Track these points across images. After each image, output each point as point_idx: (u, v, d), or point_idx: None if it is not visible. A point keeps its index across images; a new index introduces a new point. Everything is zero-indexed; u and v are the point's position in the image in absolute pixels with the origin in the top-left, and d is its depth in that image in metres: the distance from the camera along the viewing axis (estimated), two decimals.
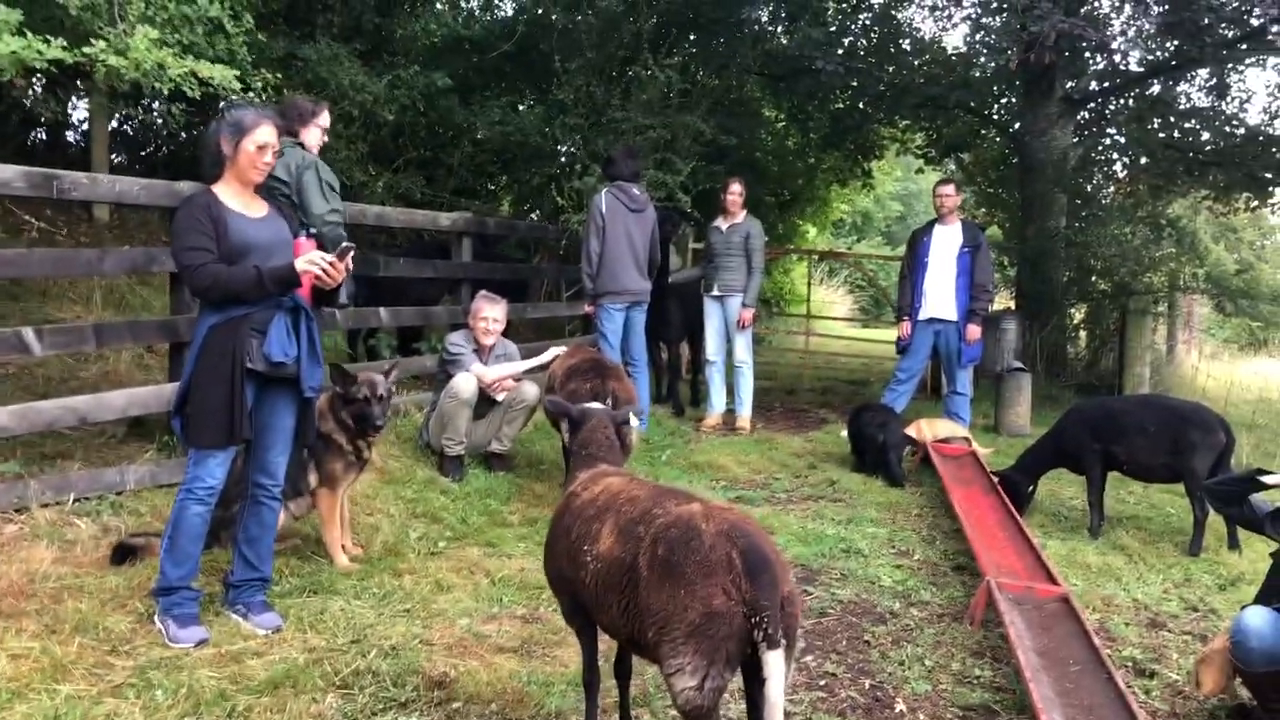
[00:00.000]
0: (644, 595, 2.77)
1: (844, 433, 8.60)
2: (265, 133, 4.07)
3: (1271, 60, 11.93)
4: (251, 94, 6.16)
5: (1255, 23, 10.47)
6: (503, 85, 12.67)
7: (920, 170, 18.76)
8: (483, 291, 7.02)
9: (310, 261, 3.97)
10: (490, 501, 6.20)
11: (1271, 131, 12.97)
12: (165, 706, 3.42)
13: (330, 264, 4.01)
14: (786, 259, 19.89)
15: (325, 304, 4.45)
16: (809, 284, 16.93)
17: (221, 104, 4.75)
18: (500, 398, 6.75)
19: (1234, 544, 6.36)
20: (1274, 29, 8.93)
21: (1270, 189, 13.33)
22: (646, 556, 2.79)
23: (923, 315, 8.87)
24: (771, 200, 17.36)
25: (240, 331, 3.98)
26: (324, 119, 5.72)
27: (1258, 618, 3.84)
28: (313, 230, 4.22)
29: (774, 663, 2.61)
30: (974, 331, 8.76)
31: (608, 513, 3.03)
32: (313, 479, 4.96)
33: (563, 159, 10.81)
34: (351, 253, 4.12)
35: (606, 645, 3.59)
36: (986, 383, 11.17)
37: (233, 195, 4.10)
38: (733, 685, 3.10)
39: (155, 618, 4.06)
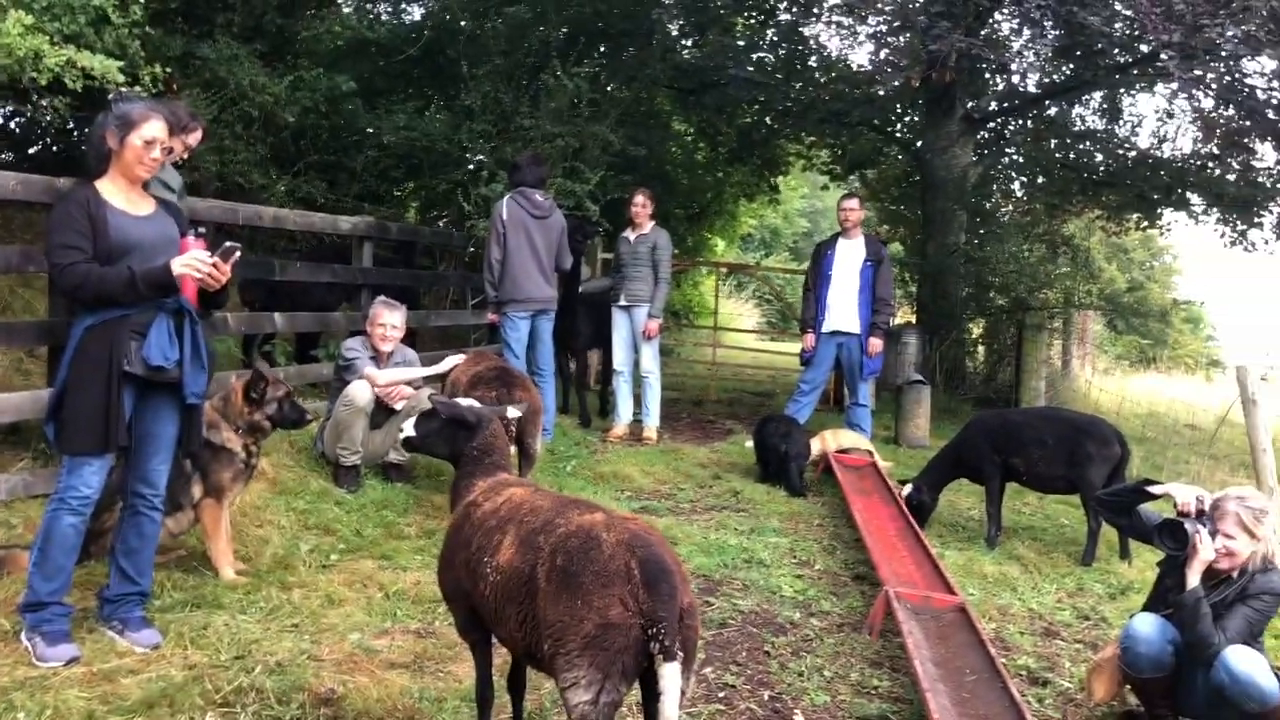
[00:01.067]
0: (541, 606, 2.69)
1: (749, 443, 8.62)
2: (154, 128, 3.88)
3: (1160, 86, 12.37)
4: (139, 88, 5.93)
5: (1145, 49, 10.84)
6: (409, 90, 12.50)
7: (826, 187, 19.03)
8: (381, 297, 6.83)
9: (187, 264, 3.79)
10: (387, 513, 6.03)
11: (1160, 155, 13.47)
12: None
13: (213, 265, 3.84)
14: (695, 272, 19.99)
15: (212, 307, 4.24)
16: (716, 297, 17.01)
17: (110, 97, 4.54)
18: (399, 406, 6.59)
19: (1125, 554, 6.52)
20: (1164, 54, 9.24)
21: (1159, 210, 13.84)
22: (545, 567, 2.71)
23: (826, 328, 8.95)
24: (681, 213, 17.44)
25: (118, 334, 3.79)
26: (194, 138, 5.36)
27: (1146, 625, 3.94)
28: (202, 230, 4.02)
29: (670, 676, 2.56)
30: (875, 345, 8.86)
31: (510, 523, 2.94)
32: (197, 491, 4.75)
33: (470, 166, 10.68)
34: (236, 253, 3.94)
35: (501, 659, 3.50)
36: (887, 395, 11.35)
37: (117, 191, 3.91)
38: (631, 699, 3.04)
39: (22, 635, 3.83)
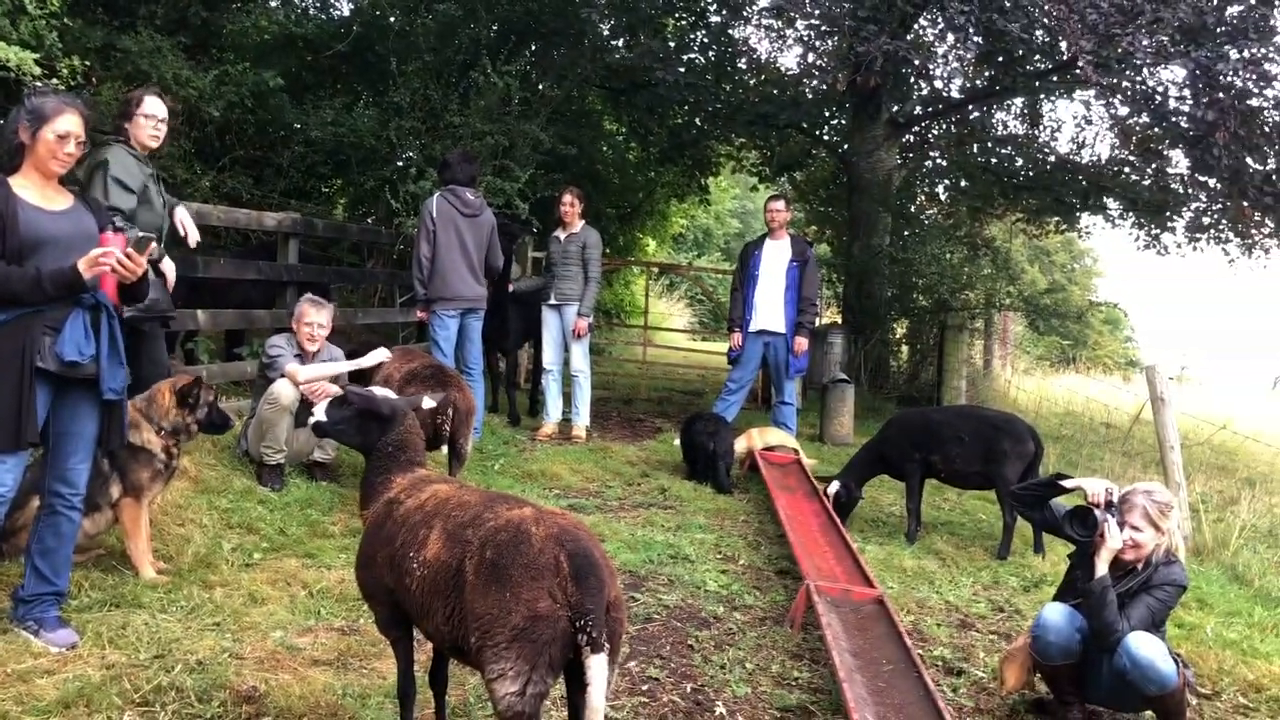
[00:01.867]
0: (469, 600, 2.71)
1: (676, 441, 8.70)
2: (67, 121, 3.82)
3: (1079, 92, 12.71)
4: (56, 80, 5.81)
5: (1063, 56, 11.15)
6: (337, 86, 12.39)
7: (755, 188, 19.25)
8: (308, 295, 6.73)
9: (96, 262, 3.71)
10: (311, 512, 5.98)
11: (1078, 160, 13.84)
12: None
13: (126, 257, 3.79)
14: (627, 271, 20.05)
15: (131, 301, 4.17)
16: (647, 296, 17.11)
17: (25, 91, 4.46)
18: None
19: (1039, 548, 6.72)
20: (1080, 62, 9.52)
21: (1076, 214, 14.22)
22: (474, 560, 2.73)
23: (753, 327, 9.07)
24: (612, 212, 17.51)
25: (31, 329, 3.73)
26: (147, 106, 5.33)
27: (1055, 614, 4.08)
28: (119, 225, 3.97)
29: (596, 667, 2.60)
30: (801, 344, 9.00)
31: (436, 518, 2.95)
32: (115, 490, 4.68)
33: (400, 163, 10.61)
34: (151, 244, 3.92)
35: (425, 655, 3.51)
36: (813, 393, 11.53)
37: (30, 187, 3.84)
38: (555, 692, 3.08)
39: None
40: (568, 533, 2.72)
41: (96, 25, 9.18)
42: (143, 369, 5.15)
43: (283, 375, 6.28)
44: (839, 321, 13.73)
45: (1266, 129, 10.52)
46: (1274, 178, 10.48)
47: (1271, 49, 10.17)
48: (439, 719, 3.35)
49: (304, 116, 10.65)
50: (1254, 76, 10.22)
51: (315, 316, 6.49)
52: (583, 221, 9.16)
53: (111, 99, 8.40)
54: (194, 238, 5.77)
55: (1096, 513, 4.08)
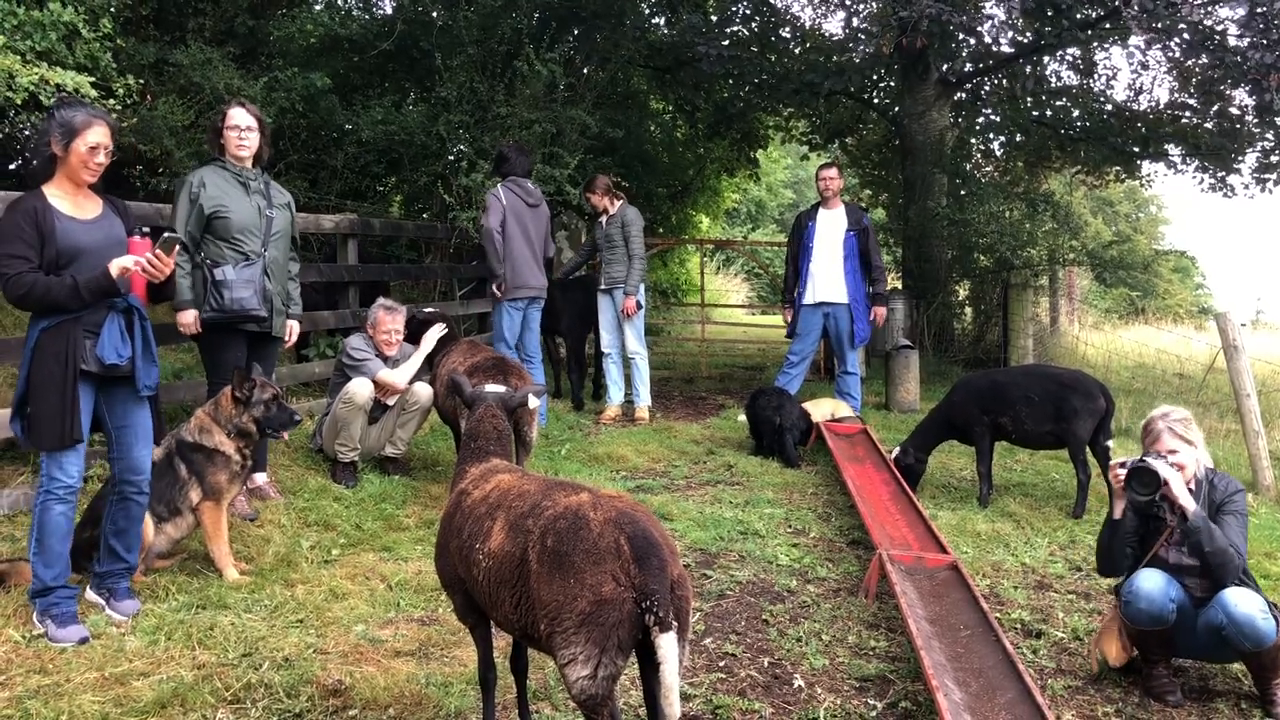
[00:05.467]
0: (535, 588, 2.75)
1: (741, 417, 8.70)
2: (97, 133, 4.07)
3: (1134, 39, 12.40)
4: (113, 100, 5.96)
5: (1114, 2, 10.87)
6: (385, 84, 12.48)
7: (805, 157, 19.07)
8: (382, 300, 6.87)
9: (125, 268, 3.99)
10: (385, 506, 6.10)
11: (1136, 107, 13.51)
12: None
13: (154, 257, 4.05)
14: (682, 250, 20.01)
15: (160, 300, 4.50)
16: (702, 273, 17.05)
17: (52, 103, 4.64)
18: (391, 402, 6.66)
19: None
20: (1126, 10, 9.28)
21: (1137, 162, 13.89)
22: (536, 549, 2.77)
23: (811, 299, 9.00)
24: (663, 191, 17.46)
25: (72, 334, 4.03)
26: (231, 118, 5.57)
27: (1149, 582, 3.98)
28: (145, 229, 4.17)
29: (667, 645, 2.62)
30: (880, 313, 8.97)
31: (499, 510, 3.00)
32: (194, 495, 4.83)
33: (450, 157, 10.70)
34: (177, 245, 4.17)
35: (504, 642, 3.58)
36: (876, 361, 11.43)
37: (63, 197, 4.11)
38: (631, 673, 3.11)
39: (34, 618, 4.13)
40: (626, 515, 2.74)
41: (149, 42, 9.38)
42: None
43: (373, 378, 6.44)
44: (899, 287, 13.58)
45: None
46: None
47: None
48: (521, 703, 3.41)
49: (354, 117, 10.76)
50: None
51: (393, 324, 6.70)
52: (620, 202, 9.14)
53: (167, 113, 8.61)
54: (291, 342, 6.04)
55: (1154, 463, 3.98)
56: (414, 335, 6.96)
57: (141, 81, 7.10)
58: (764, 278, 25.28)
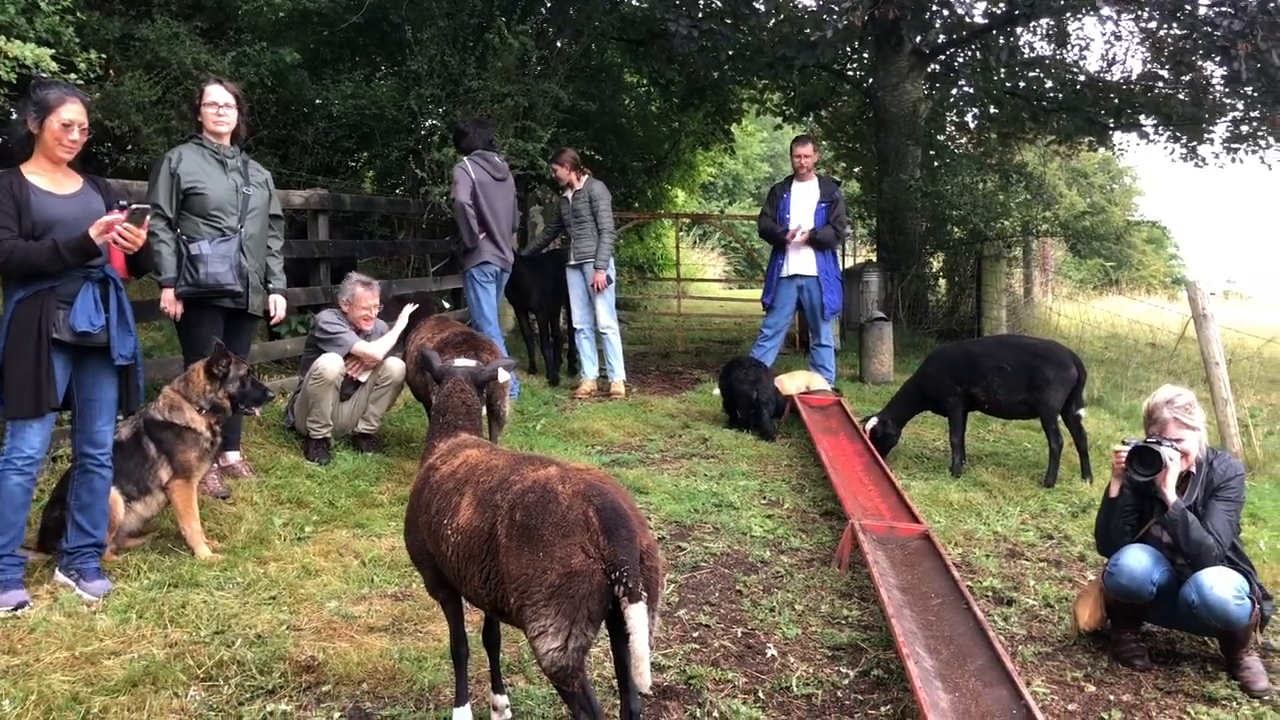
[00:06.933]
0: (504, 562, 2.75)
1: (715, 391, 8.71)
2: (71, 110, 4.14)
3: (1106, 9, 12.41)
4: (74, 75, 5.88)
5: None
6: (355, 59, 12.35)
7: (779, 128, 19.03)
8: (359, 276, 6.83)
9: (108, 226, 4.03)
10: (359, 483, 6.09)
11: (1109, 78, 13.54)
12: (14, 717, 3.27)
13: (125, 228, 4.07)
14: (658, 224, 19.96)
15: (139, 273, 4.59)
16: (678, 248, 17.05)
17: (31, 84, 4.62)
18: (363, 378, 6.63)
19: (1086, 473, 6.69)
20: None
21: (1109, 133, 13.93)
22: (505, 524, 2.77)
23: (785, 272, 9.01)
24: (638, 165, 17.40)
25: (46, 304, 4.10)
26: (209, 94, 5.52)
27: (1134, 560, 4.03)
28: (124, 203, 4.15)
29: (636, 616, 2.62)
30: (802, 235, 8.85)
31: (466, 485, 2.99)
32: (164, 473, 4.80)
33: (422, 131, 10.62)
34: (148, 215, 4.20)
35: (477, 616, 3.58)
36: (851, 334, 11.46)
37: (41, 173, 4.20)
38: (605, 645, 3.12)
39: None
40: (594, 487, 2.74)
41: (114, 16, 9.23)
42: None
43: (349, 351, 6.43)
44: (874, 259, 13.60)
45: None
46: None
47: None
48: (494, 677, 3.41)
49: (324, 92, 10.66)
50: None
51: (372, 299, 6.69)
52: (586, 176, 9.08)
53: (134, 89, 8.49)
54: (278, 317, 6.01)
55: (1160, 449, 4.01)
56: (387, 313, 6.94)
57: (105, 57, 6.98)
58: (740, 251, 25.27)
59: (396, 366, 6.62)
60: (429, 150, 9.68)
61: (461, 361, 3.67)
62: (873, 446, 6.76)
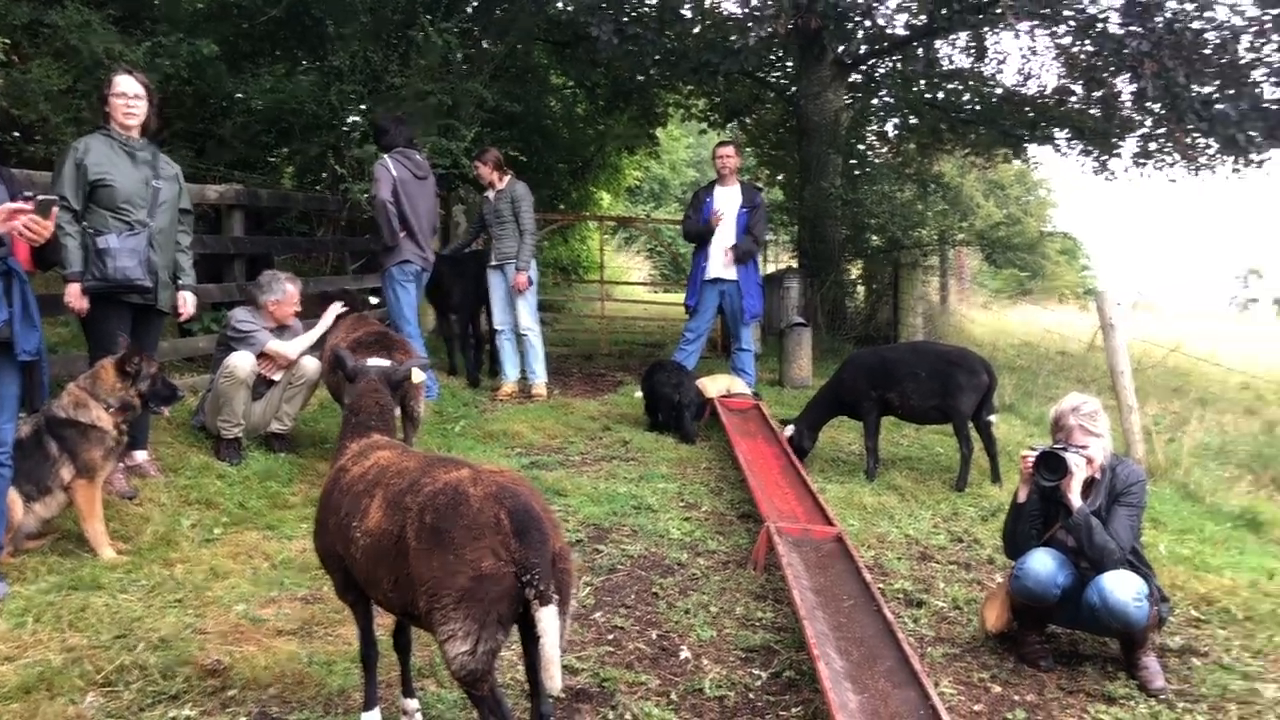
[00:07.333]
0: (414, 565, 2.73)
1: (637, 393, 8.72)
2: None
3: (1023, 24, 12.69)
4: None
5: None
6: (276, 52, 12.13)
7: (704, 132, 19.15)
8: (283, 274, 6.71)
9: (11, 215, 3.89)
10: (271, 484, 5.97)
11: (1025, 91, 13.86)
12: None
13: (31, 220, 3.95)
14: (583, 227, 19.94)
15: (46, 266, 4.44)
16: (602, 250, 17.04)
17: None
18: (277, 377, 6.51)
19: (996, 477, 6.84)
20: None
21: (1024, 145, 14.27)
22: (414, 526, 2.74)
23: (707, 275, 9.07)
24: (563, 168, 17.35)
25: None
26: (117, 85, 5.39)
27: (1040, 563, 4.13)
28: (30, 194, 4.03)
29: (547, 619, 2.62)
30: (734, 253, 8.94)
31: (377, 487, 2.96)
32: (66, 473, 4.66)
33: (344, 128, 10.46)
34: (54, 208, 4.06)
35: (390, 619, 3.53)
36: (771, 338, 11.57)
37: None
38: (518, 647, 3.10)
39: None
40: (506, 490, 2.73)
41: (21, 2, 8.93)
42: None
43: (262, 350, 6.32)
44: (794, 265, 13.75)
45: (1206, 52, 10.57)
46: (1212, 101, 10.54)
47: None
48: (404, 681, 3.37)
49: (243, 85, 10.44)
50: (1191, 3, 10.29)
51: (297, 294, 6.63)
52: (509, 177, 9.04)
53: (43, 76, 8.23)
54: (187, 314, 5.91)
55: (1065, 455, 4.12)
56: (308, 311, 6.86)
57: (10, 43, 6.75)
58: (665, 255, 25.35)
59: (311, 365, 6.51)
60: (350, 147, 9.54)
61: (375, 361, 3.62)
62: (790, 450, 6.83)
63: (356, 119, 10.10)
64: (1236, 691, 3.96)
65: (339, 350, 3.71)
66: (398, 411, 6.30)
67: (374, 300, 8.83)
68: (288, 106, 10.30)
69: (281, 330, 6.59)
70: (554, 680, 2.58)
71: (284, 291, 6.55)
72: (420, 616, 2.76)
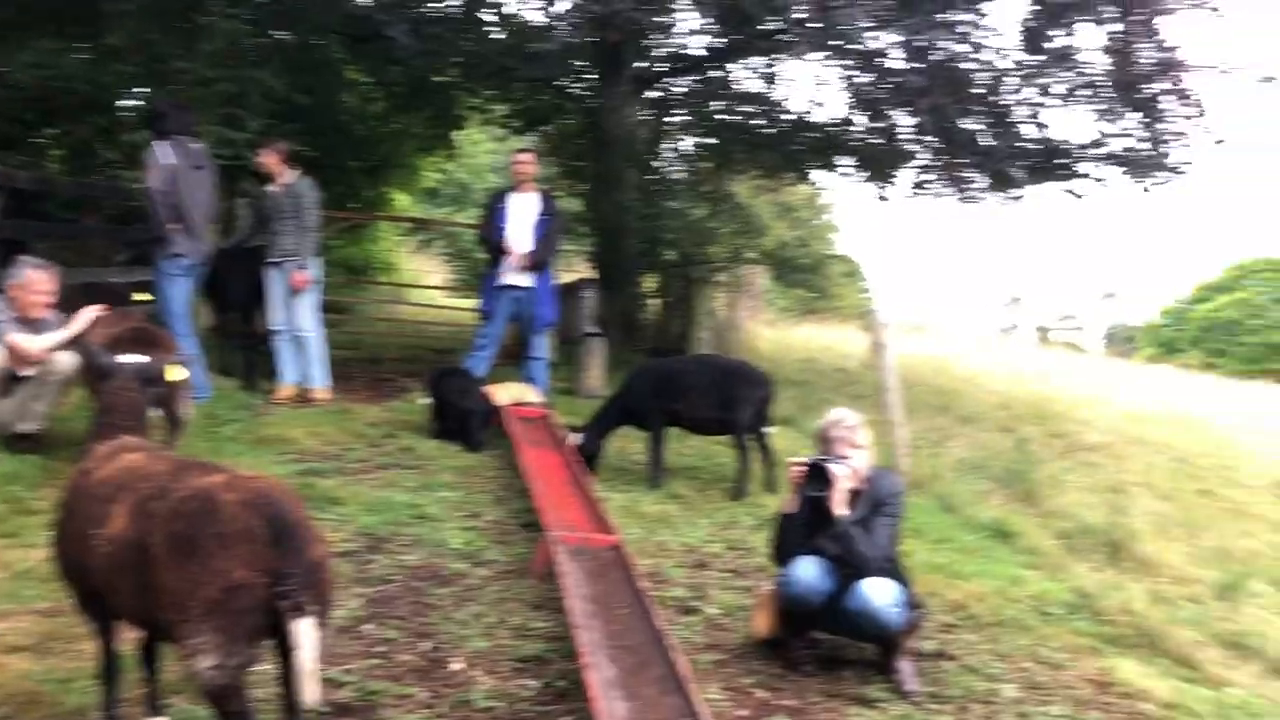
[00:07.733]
0: (159, 575, 2.58)
1: (425, 399, 8.55)
2: None
3: (812, 54, 13.23)
4: None
5: (798, 16, 11.55)
6: (48, 26, 11.31)
7: (502, 139, 19.08)
8: (30, 259, 6.20)
9: None
10: (15, 488, 5.49)
11: (811, 118, 14.44)
12: None
13: None
14: (376, 227, 19.47)
15: None
16: (396, 253, 16.67)
17: None
18: (30, 372, 6.03)
19: (770, 487, 7.07)
20: (793, 31, 9.96)
21: (806, 170, 14.90)
22: (161, 534, 2.59)
23: (501, 281, 9.00)
24: (357, 165, 16.90)
25: None
26: None
27: (805, 571, 4.29)
28: None
29: (303, 631, 2.53)
30: (528, 260, 8.89)
31: (122, 492, 2.78)
32: None
33: (119, 111, 9.85)
34: None
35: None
36: (566, 348, 11.60)
37: None
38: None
39: None
40: (263, 496, 2.62)
41: None
42: None
43: (3, 342, 5.81)
44: (589, 276, 13.83)
45: (975, 92, 11.31)
46: (979, 138, 11.31)
47: (978, 15, 10.94)
48: (150, 698, 3.18)
49: (5, 57, 9.68)
50: (964, 45, 10.99)
51: (48, 284, 6.12)
52: (296, 172, 8.70)
53: None
54: None
55: (830, 466, 4.29)
56: (70, 302, 6.37)
57: None
58: (465, 260, 25.05)
59: (64, 361, 6.05)
60: (124, 131, 8.98)
61: (129, 358, 3.40)
62: (577, 459, 6.85)
63: (134, 102, 9.54)
64: (979, 692, 4.23)
65: (88, 345, 3.48)
66: (160, 413, 6.01)
67: (150, 297, 8.32)
68: (55, 84, 9.61)
69: (36, 324, 6.09)
70: (310, 694, 2.50)
71: (27, 277, 6.06)
72: (166, 629, 2.62)
